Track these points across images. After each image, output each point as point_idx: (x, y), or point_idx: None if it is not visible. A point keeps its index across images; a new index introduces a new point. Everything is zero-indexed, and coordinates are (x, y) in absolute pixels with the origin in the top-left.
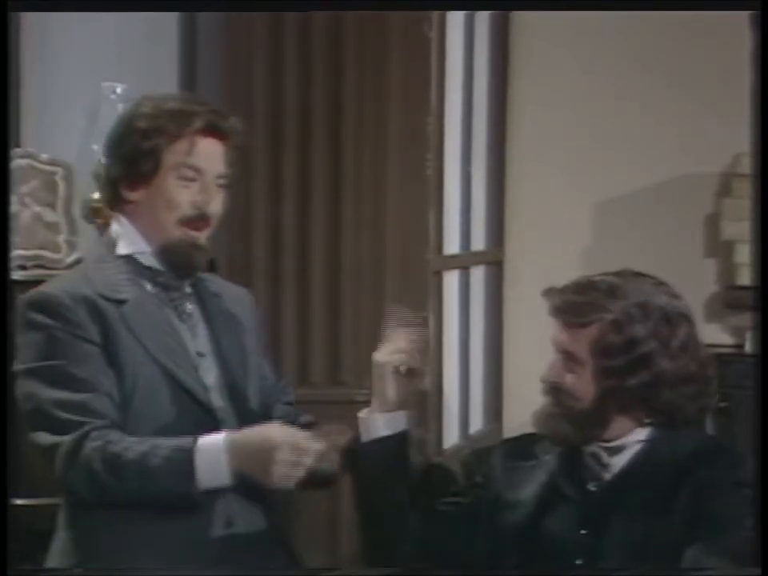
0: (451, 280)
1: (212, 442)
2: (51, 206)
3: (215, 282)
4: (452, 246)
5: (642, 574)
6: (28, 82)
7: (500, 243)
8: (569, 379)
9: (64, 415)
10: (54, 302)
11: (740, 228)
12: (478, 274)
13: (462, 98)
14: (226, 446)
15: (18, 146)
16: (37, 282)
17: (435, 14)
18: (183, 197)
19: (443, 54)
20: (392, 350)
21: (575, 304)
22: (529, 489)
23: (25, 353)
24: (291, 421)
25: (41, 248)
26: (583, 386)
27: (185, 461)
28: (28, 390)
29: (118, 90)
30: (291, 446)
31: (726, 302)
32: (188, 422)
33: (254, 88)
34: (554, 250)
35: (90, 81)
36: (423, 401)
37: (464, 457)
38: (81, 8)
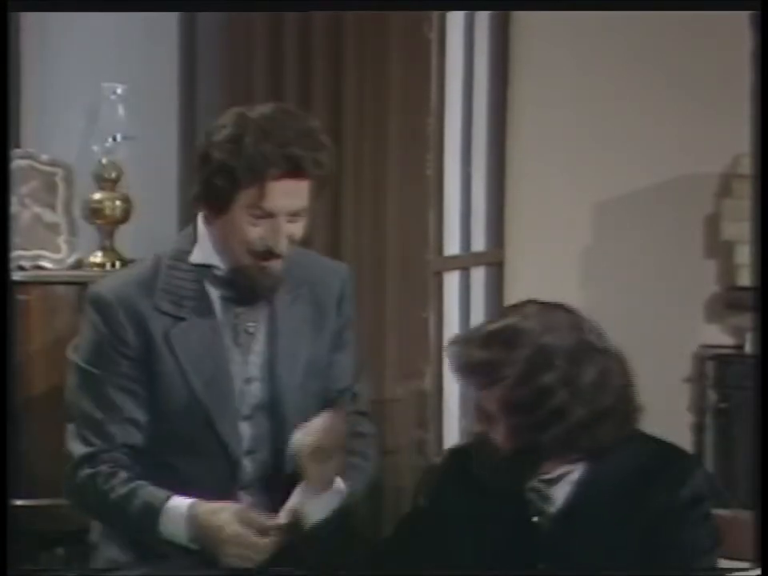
0: (451, 281)
1: (177, 507)
2: (51, 206)
3: (303, 273)
4: (452, 246)
5: (643, 574)
6: (28, 82)
7: (500, 244)
8: (491, 430)
9: (83, 429)
10: (106, 305)
11: (740, 229)
12: (478, 275)
13: (462, 98)
14: (187, 515)
15: (18, 146)
16: (36, 283)
17: (435, 14)
18: (253, 234)
19: (443, 54)
20: (306, 432)
21: (477, 364)
22: (476, 516)
23: (80, 345)
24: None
25: (41, 248)
26: (502, 438)
27: (152, 517)
28: (70, 382)
29: (118, 91)
30: (240, 541)
31: (726, 302)
32: (207, 451)
33: (254, 88)
34: (553, 250)
35: (89, 81)
36: (423, 401)
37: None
38: (81, 8)
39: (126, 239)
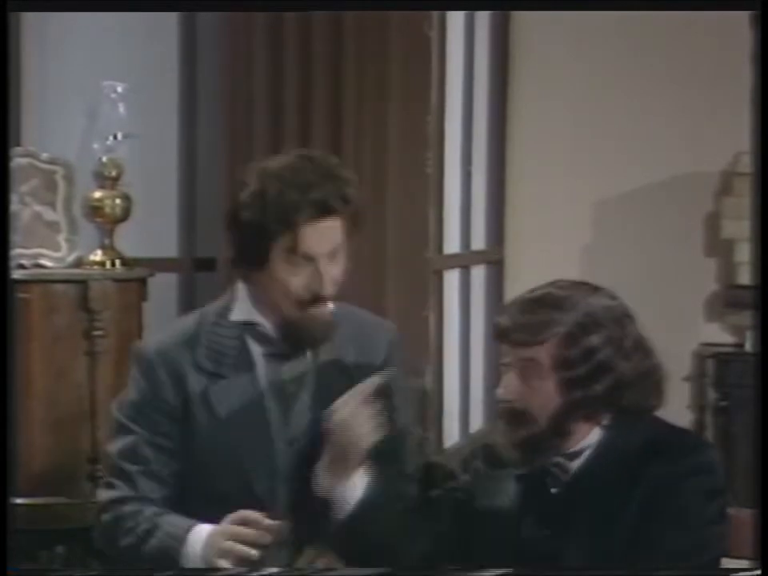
0: (452, 279)
1: (199, 533)
2: (51, 204)
3: (348, 329)
4: (452, 244)
5: (649, 574)
6: (28, 82)
7: (500, 242)
8: (526, 395)
9: (113, 478)
10: (147, 363)
11: (740, 227)
12: (478, 273)
13: (462, 97)
14: (207, 539)
15: (18, 144)
16: (37, 281)
17: (435, 14)
18: (296, 283)
19: (443, 54)
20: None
21: (526, 325)
22: (504, 497)
23: (123, 400)
24: None
25: (41, 247)
26: (543, 400)
27: (174, 548)
28: (114, 421)
29: (119, 89)
30: (237, 534)
31: (726, 300)
32: (240, 506)
33: (254, 88)
34: (553, 249)
35: (90, 79)
36: (423, 400)
37: (459, 455)
38: (81, 8)
39: (126, 237)
